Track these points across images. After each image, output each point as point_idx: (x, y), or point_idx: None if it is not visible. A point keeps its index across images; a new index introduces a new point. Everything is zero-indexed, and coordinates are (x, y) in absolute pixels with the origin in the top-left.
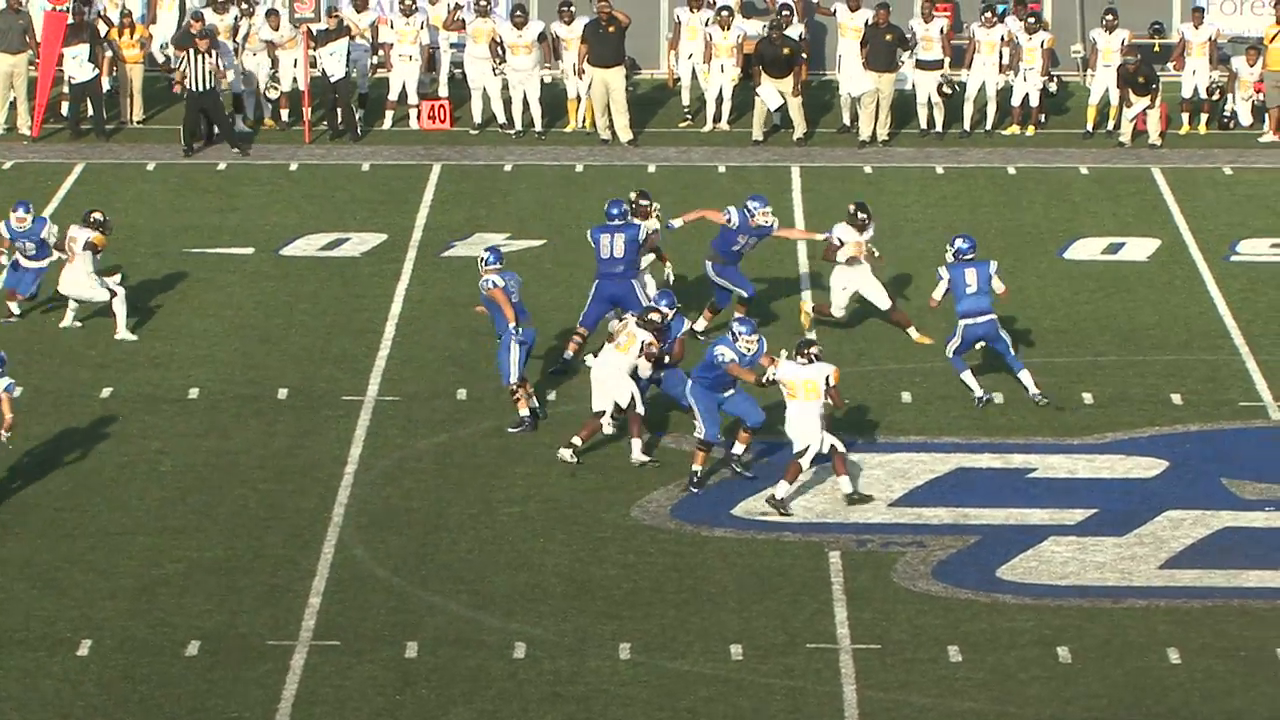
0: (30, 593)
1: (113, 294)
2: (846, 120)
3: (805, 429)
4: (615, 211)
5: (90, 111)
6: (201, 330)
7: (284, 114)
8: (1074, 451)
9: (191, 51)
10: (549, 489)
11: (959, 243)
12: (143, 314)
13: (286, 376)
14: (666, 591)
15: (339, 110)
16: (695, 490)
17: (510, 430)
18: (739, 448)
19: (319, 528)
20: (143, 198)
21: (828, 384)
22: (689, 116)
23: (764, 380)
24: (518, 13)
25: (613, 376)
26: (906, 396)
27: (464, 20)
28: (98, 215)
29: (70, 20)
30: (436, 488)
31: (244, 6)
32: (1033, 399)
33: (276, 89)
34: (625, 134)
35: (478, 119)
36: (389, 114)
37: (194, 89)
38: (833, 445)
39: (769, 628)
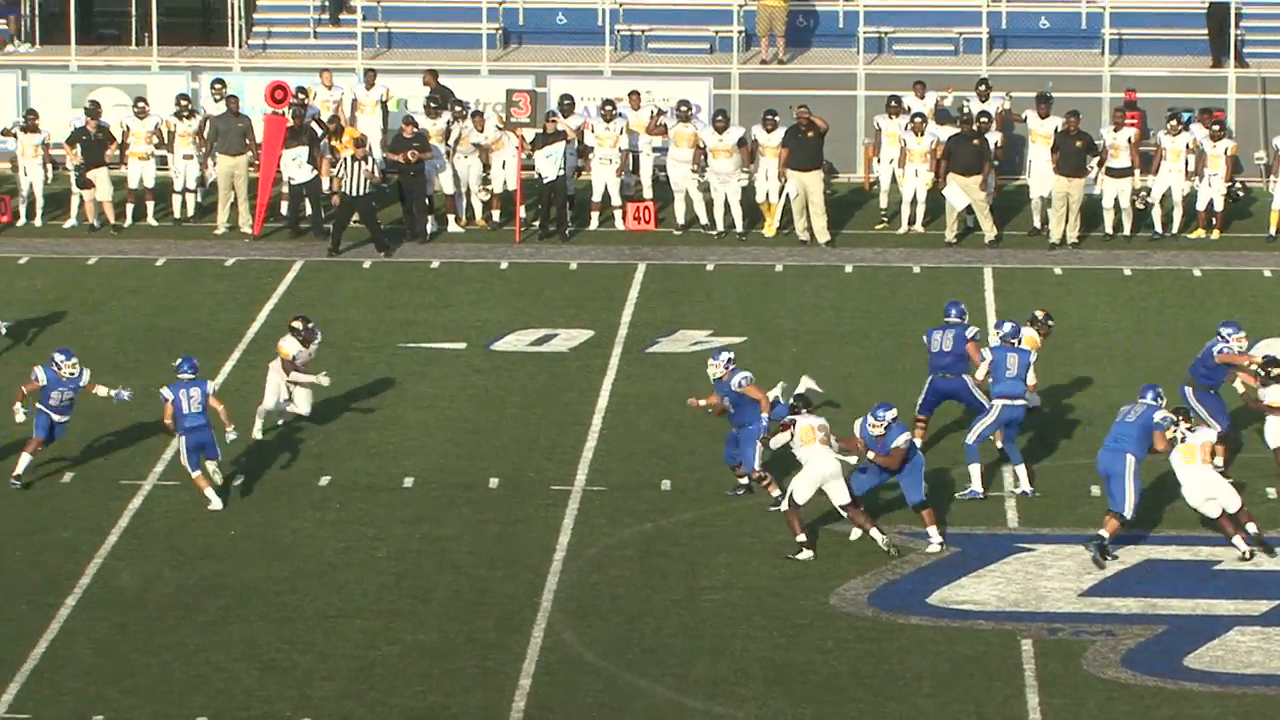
0: (251, 673)
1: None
2: (1037, 223)
3: None
4: (954, 312)
5: (309, 211)
6: (416, 421)
7: (495, 215)
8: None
9: (349, 157)
10: (750, 576)
11: (1006, 326)
12: (359, 406)
13: (497, 466)
14: (863, 676)
15: (552, 210)
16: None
17: (770, 510)
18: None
19: (528, 613)
20: (359, 294)
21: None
22: (885, 219)
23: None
24: (719, 118)
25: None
26: (1095, 490)
27: (666, 125)
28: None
29: (290, 123)
30: (641, 575)
31: (457, 110)
32: (1021, 493)
33: (489, 190)
34: (823, 235)
35: (680, 220)
36: (595, 215)
37: (349, 193)
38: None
39: (963, 713)
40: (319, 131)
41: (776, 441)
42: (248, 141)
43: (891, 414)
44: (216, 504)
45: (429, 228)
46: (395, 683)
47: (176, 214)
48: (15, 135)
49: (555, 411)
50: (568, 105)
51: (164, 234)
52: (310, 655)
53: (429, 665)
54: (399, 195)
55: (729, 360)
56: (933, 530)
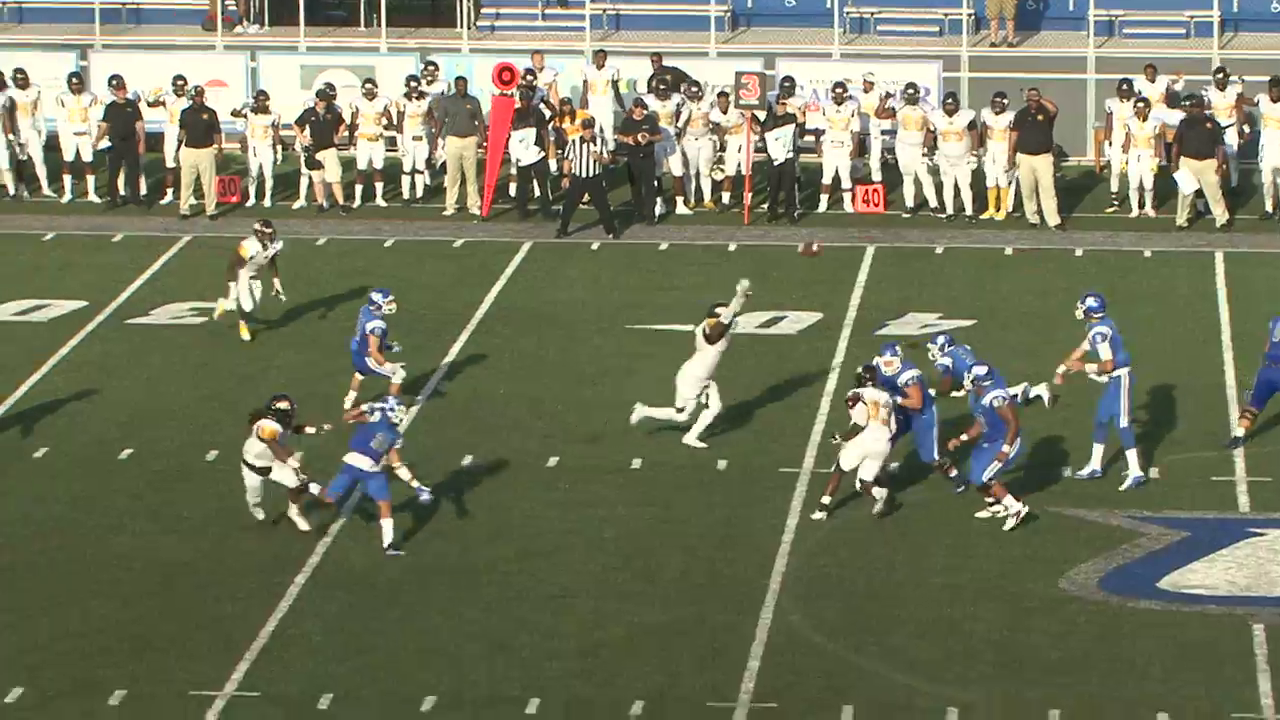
0: (480, 653)
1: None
2: (1269, 207)
3: None
4: None
5: (537, 192)
6: (644, 403)
7: (724, 197)
8: None
9: (578, 139)
10: (977, 559)
11: (1089, 301)
12: (587, 388)
13: (725, 448)
14: (1093, 660)
15: (780, 192)
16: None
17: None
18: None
19: (757, 594)
20: (587, 276)
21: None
22: (1115, 203)
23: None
24: (949, 100)
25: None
26: None
27: (894, 108)
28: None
29: (517, 105)
30: (869, 557)
31: (693, 90)
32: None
33: (722, 171)
34: (1053, 218)
35: (910, 203)
36: (824, 197)
37: (579, 174)
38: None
39: (1194, 697)
40: (547, 113)
41: (859, 417)
42: (476, 123)
43: (899, 352)
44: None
45: (657, 209)
46: (623, 663)
47: (405, 195)
48: (245, 116)
49: (783, 394)
50: (788, 87)
51: (393, 215)
52: (538, 635)
53: (657, 646)
54: (628, 177)
55: (946, 342)
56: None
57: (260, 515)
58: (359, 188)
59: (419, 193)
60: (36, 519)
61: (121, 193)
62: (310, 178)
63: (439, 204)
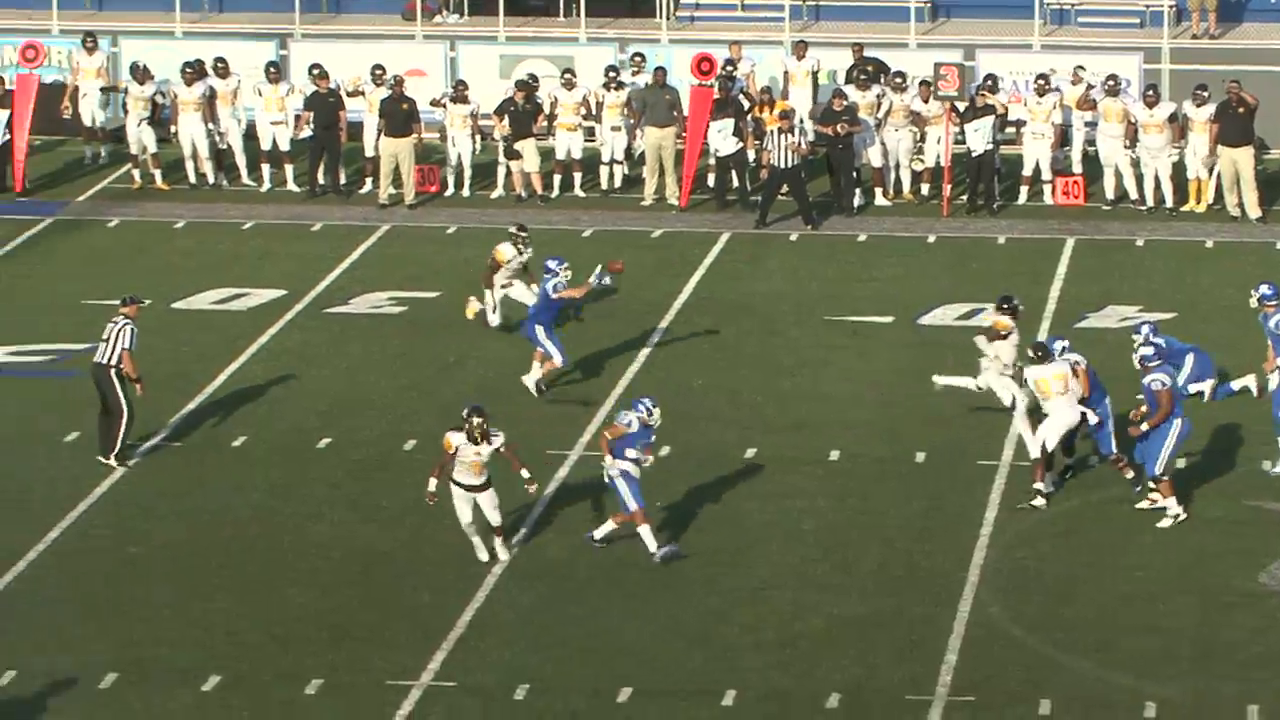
0: (678, 644)
1: None
2: None
3: None
4: None
5: (735, 183)
6: (843, 395)
7: (924, 188)
8: None
9: (776, 129)
10: (1176, 554)
11: (1262, 289)
12: (785, 379)
13: (924, 441)
14: None
15: (980, 184)
16: None
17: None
18: None
19: (955, 587)
20: (785, 267)
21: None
22: None
23: None
24: (1149, 92)
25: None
26: None
27: (1095, 100)
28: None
29: (716, 95)
30: (1068, 550)
31: (896, 81)
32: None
33: (921, 162)
34: (1254, 211)
35: (1110, 195)
36: (1023, 189)
37: (777, 165)
38: None
39: None
40: (745, 104)
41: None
42: (675, 114)
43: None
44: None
45: (856, 201)
46: (820, 655)
47: (604, 185)
48: (444, 106)
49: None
50: (990, 85)
51: (591, 205)
52: (736, 627)
53: (854, 638)
54: (827, 168)
55: (1151, 332)
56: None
57: (483, 555)
58: (557, 178)
59: (617, 183)
60: (235, 508)
61: (321, 182)
62: (509, 167)
63: (637, 194)
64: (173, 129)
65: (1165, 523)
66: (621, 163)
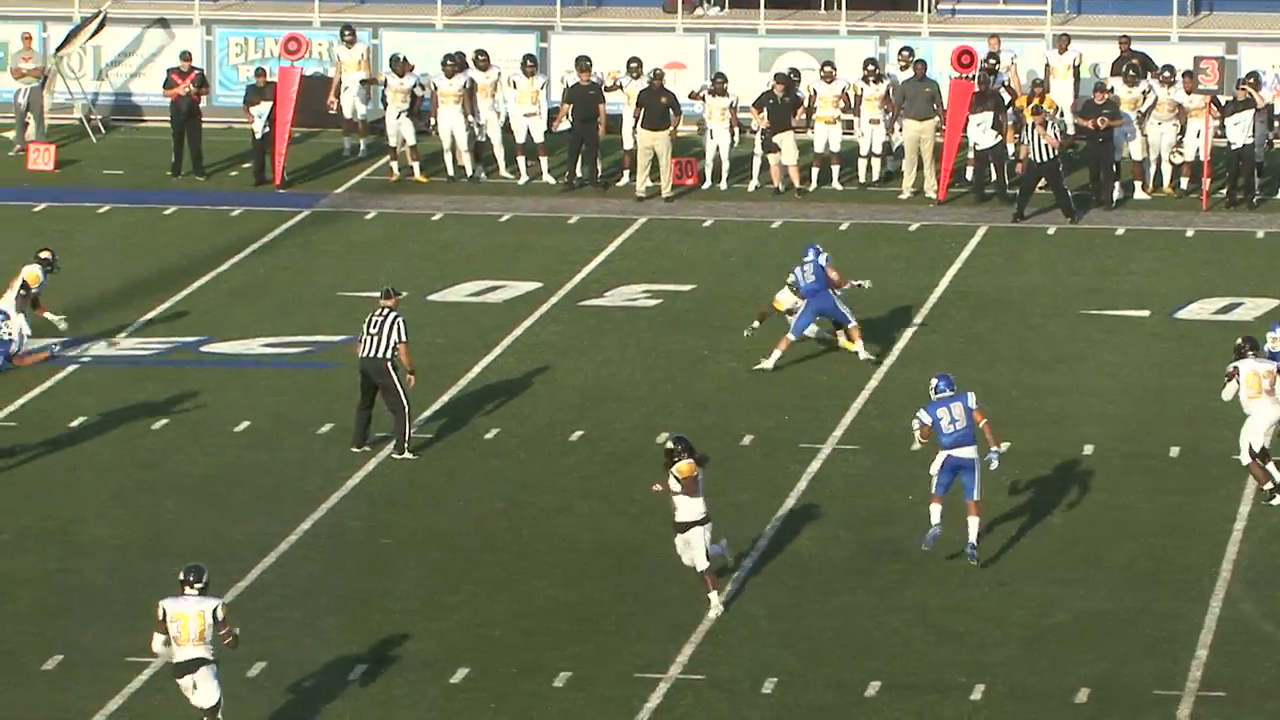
0: (925, 638)
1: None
2: None
3: None
4: None
5: (994, 176)
6: (1097, 389)
7: (1183, 182)
8: None
9: (1032, 123)
10: None
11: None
12: (1040, 373)
13: (1179, 435)
14: None
15: (1240, 179)
16: None
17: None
18: None
19: (1206, 583)
20: (1042, 260)
21: None
22: None
23: None
24: None
25: None
26: None
27: None
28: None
29: (976, 88)
30: None
31: (1165, 75)
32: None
33: (1181, 155)
34: None
35: None
36: None
37: (1035, 158)
38: None
39: None
40: (1006, 97)
41: (1227, 393)
42: (935, 106)
43: None
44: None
45: (1115, 194)
46: (1068, 650)
47: (861, 179)
48: (703, 98)
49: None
50: (1252, 83)
51: (848, 198)
52: (983, 621)
53: (1102, 633)
54: (1087, 161)
55: None
56: None
57: (716, 606)
58: (815, 171)
59: (875, 176)
60: (486, 499)
61: (579, 175)
62: (766, 160)
63: (895, 188)
64: (432, 121)
65: None
66: (880, 156)
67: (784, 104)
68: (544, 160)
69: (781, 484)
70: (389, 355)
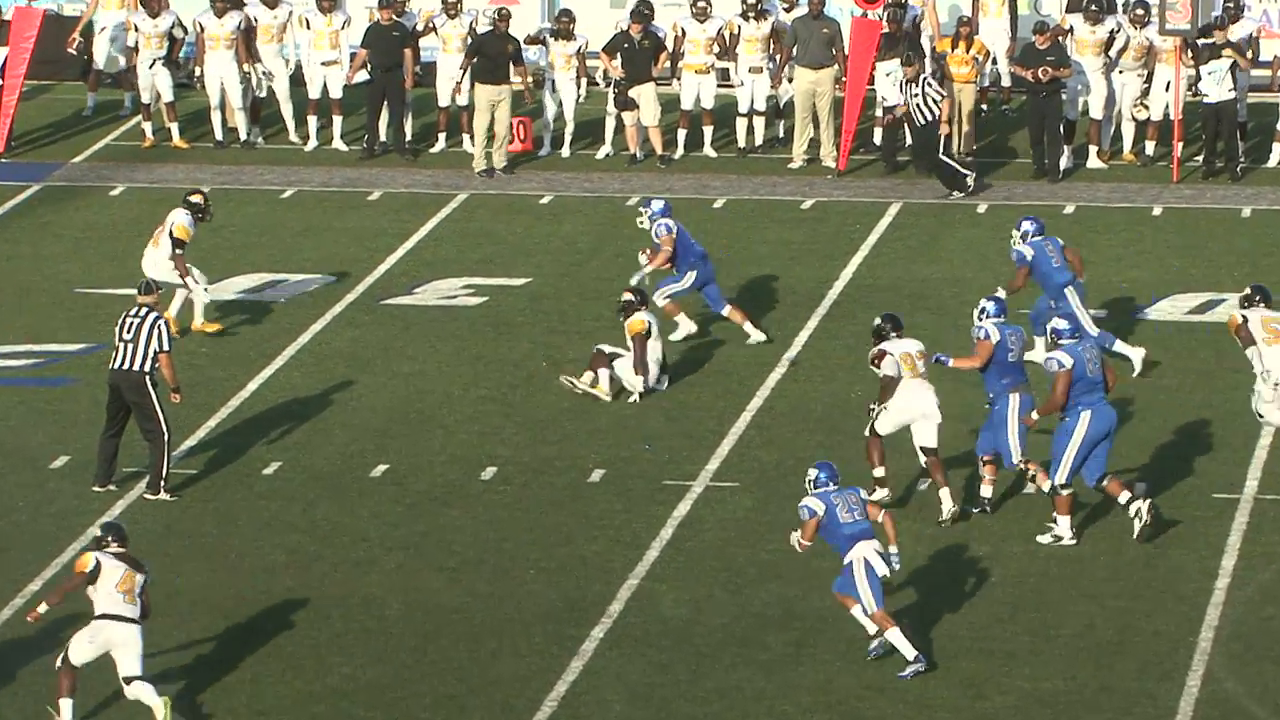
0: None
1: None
2: None
3: None
4: None
5: (908, 140)
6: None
7: (1149, 146)
8: None
9: (904, 80)
10: None
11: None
12: (968, 388)
13: (1144, 464)
14: None
15: (1219, 142)
16: None
17: None
18: None
19: (1182, 655)
20: (970, 246)
21: None
22: None
23: None
24: None
25: None
26: None
27: None
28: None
29: (885, 28)
30: None
31: (1138, 14)
32: None
33: (1146, 110)
34: None
35: None
36: (1276, 148)
37: (917, 119)
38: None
39: None
40: (923, 41)
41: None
42: (833, 51)
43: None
44: None
45: (1063, 163)
46: None
47: (740, 142)
48: (543, 43)
49: (1220, 398)
50: (1230, 9)
51: (724, 167)
52: (902, 705)
53: (1050, 719)
54: (1027, 122)
55: None
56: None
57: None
58: (682, 133)
59: (758, 140)
60: (267, 551)
61: (381, 139)
62: (621, 119)
63: (784, 154)
64: (196, 72)
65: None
66: (764, 114)
67: (643, 49)
68: (338, 121)
69: (641, 531)
70: (147, 368)
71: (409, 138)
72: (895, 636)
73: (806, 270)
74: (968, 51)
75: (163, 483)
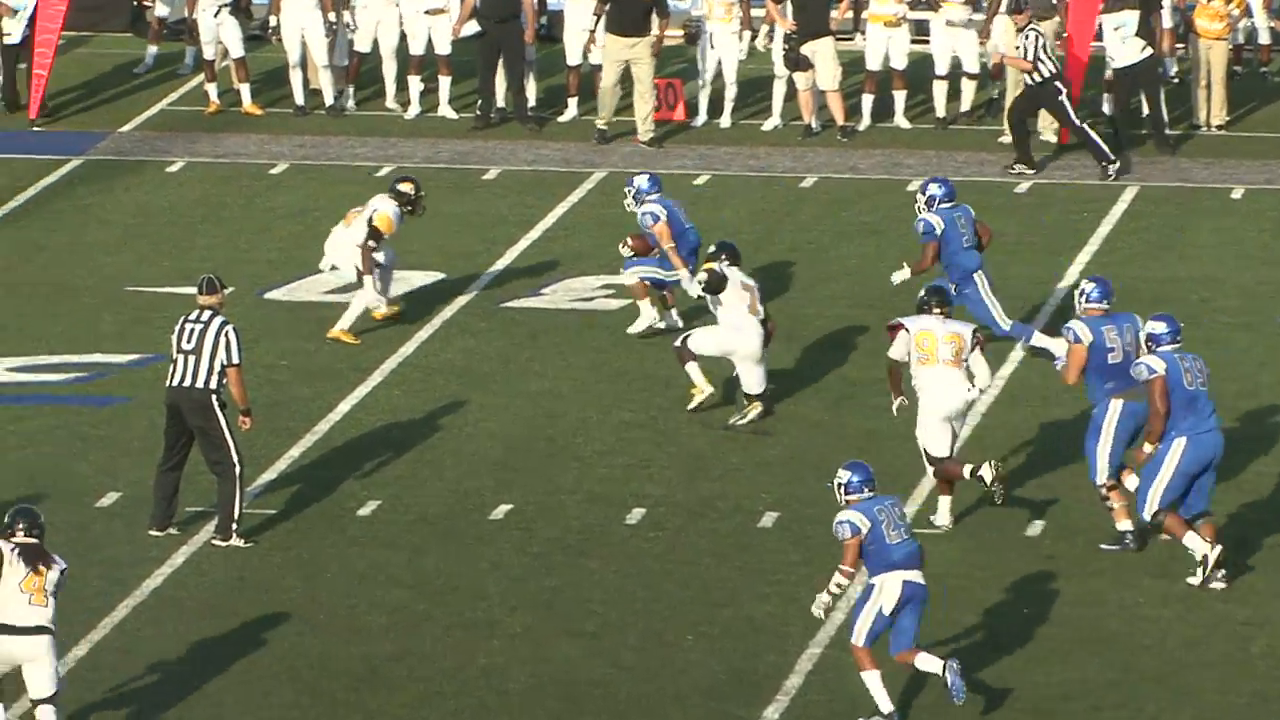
0: None
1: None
2: None
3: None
4: None
5: (1146, 108)
6: None
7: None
8: None
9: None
10: None
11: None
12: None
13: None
14: None
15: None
16: None
17: None
18: None
19: None
20: (1225, 239)
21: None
22: None
23: None
24: None
25: None
26: None
27: None
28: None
29: None
30: None
31: None
32: None
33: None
34: None
35: None
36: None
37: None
38: None
39: None
40: None
41: None
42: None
43: None
44: None
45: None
46: None
47: (940, 111)
48: None
49: None
50: None
51: (919, 140)
52: None
53: None
54: None
55: None
56: None
57: None
58: (867, 99)
59: (964, 107)
60: (363, 611)
61: (499, 105)
62: (793, 82)
63: (994, 125)
64: (271, 22)
65: None
66: (975, 76)
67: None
68: (445, 82)
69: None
70: (213, 385)
71: (532, 104)
72: (872, 680)
73: (1022, 268)
74: (1226, 4)
75: (234, 526)
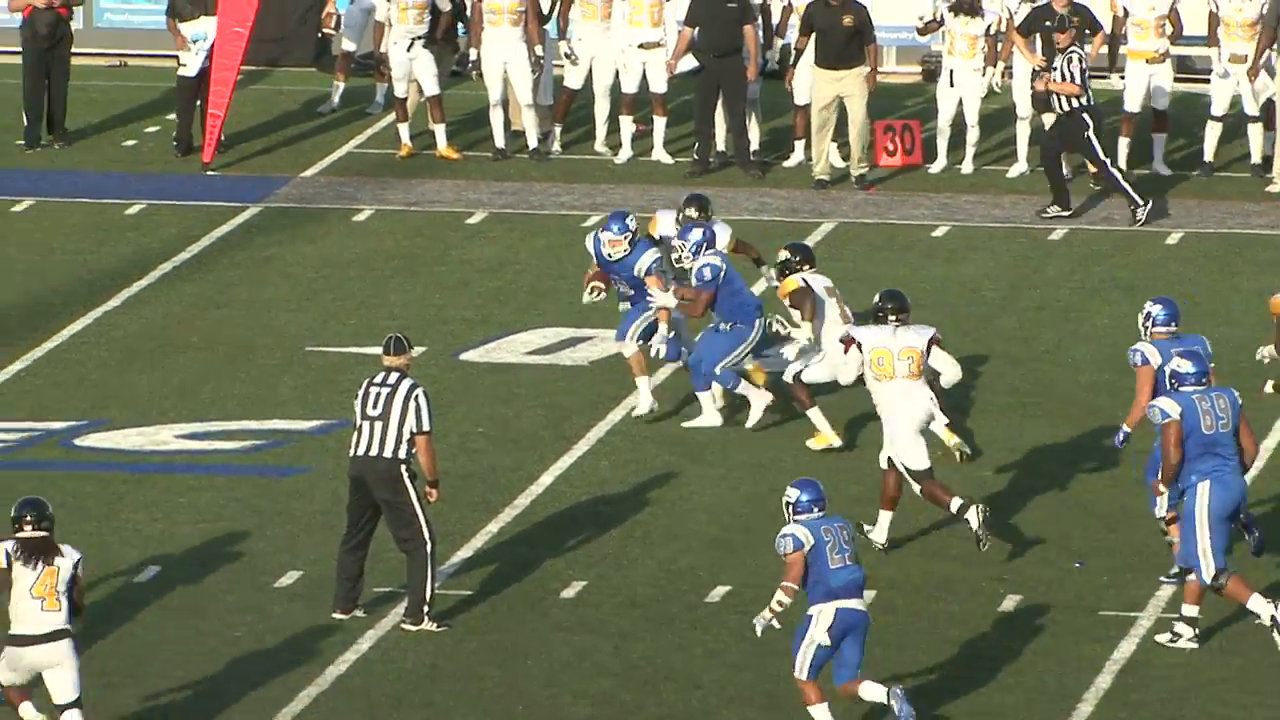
0: None
1: None
2: None
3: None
4: None
5: None
6: None
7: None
8: None
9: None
10: None
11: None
12: None
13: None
14: None
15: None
16: None
17: None
18: None
19: None
20: None
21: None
22: None
23: None
24: None
25: None
26: None
27: None
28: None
29: None
30: None
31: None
32: None
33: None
34: None
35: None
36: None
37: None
38: None
39: None
40: None
41: None
42: None
43: None
44: None
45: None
46: None
47: (1208, 155)
48: (940, 22)
49: None
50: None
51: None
52: None
53: None
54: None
55: None
56: None
57: None
58: (1124, 142)
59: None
60: (568, 704)
61: (718, 148)
62: (1041, 123)
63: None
64: (472, 55)
65: None
66: (1257, 120)
67: (1069, 25)
68: (660, 124)
69: (1068, 679)
70: (402, 454)
71: (754, 146)
72: (821, 714)
73: None
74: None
75: (426, 608)
